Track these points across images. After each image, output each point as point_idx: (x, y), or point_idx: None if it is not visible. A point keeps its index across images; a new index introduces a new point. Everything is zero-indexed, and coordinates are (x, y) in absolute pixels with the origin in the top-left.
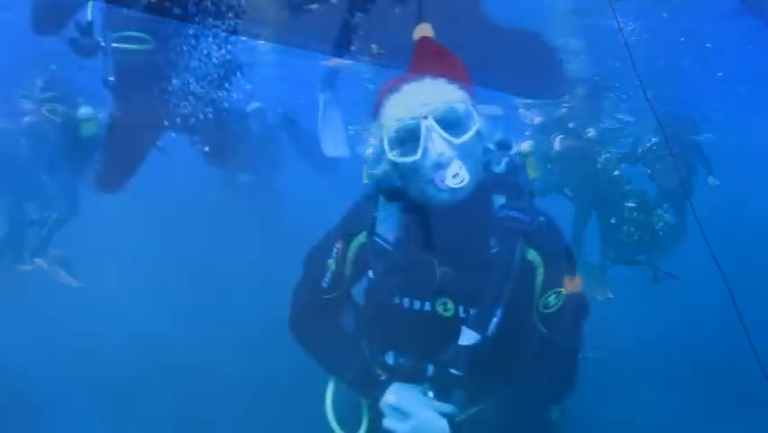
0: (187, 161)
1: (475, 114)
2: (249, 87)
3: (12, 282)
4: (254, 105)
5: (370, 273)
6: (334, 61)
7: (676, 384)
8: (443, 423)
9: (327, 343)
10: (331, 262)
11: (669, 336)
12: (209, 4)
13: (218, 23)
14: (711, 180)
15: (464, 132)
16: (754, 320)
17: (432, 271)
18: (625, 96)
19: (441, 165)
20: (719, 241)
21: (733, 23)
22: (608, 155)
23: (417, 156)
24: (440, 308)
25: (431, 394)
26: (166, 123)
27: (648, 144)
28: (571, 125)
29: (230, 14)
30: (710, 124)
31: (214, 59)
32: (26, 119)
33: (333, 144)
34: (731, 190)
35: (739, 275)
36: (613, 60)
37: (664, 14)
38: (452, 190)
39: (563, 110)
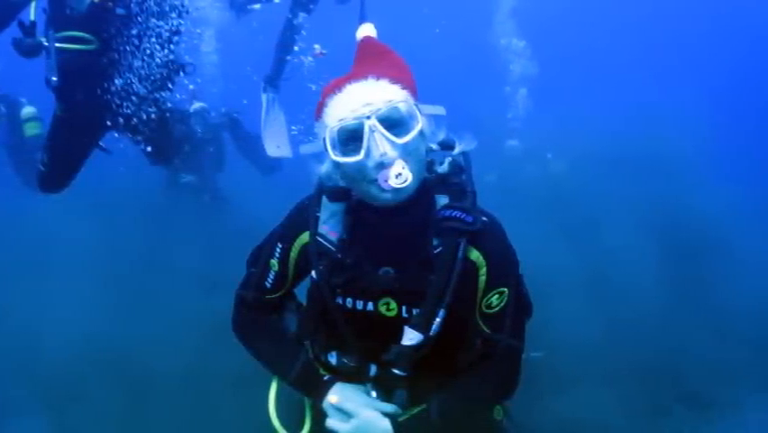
0: (130, 160)
1: (418, 113)
2: (192, 87)
3: None
4: (197, 105)
5: (313, 274)
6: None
7: (619, 383)
8: (386, 423)
9: (270, 343)
10: (274, 263)
11: (611, 335)
12: (152, 4)
13: (161, 23)
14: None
15: (407, 131)
16: (697, 319)
17: (375, 272)
18: None
19: (384, 165)
20: (660, 237)
21: None
22: None
23: (360, 156)
24: (383, 309)
25: (374, 394)
26: (109, 123)
27: None
28: None
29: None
30: None
31: (158, 60)
32: None
33: (276, 144)
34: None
35: (679, 272)
36: None
37: None
38: (395, 190)
39: None
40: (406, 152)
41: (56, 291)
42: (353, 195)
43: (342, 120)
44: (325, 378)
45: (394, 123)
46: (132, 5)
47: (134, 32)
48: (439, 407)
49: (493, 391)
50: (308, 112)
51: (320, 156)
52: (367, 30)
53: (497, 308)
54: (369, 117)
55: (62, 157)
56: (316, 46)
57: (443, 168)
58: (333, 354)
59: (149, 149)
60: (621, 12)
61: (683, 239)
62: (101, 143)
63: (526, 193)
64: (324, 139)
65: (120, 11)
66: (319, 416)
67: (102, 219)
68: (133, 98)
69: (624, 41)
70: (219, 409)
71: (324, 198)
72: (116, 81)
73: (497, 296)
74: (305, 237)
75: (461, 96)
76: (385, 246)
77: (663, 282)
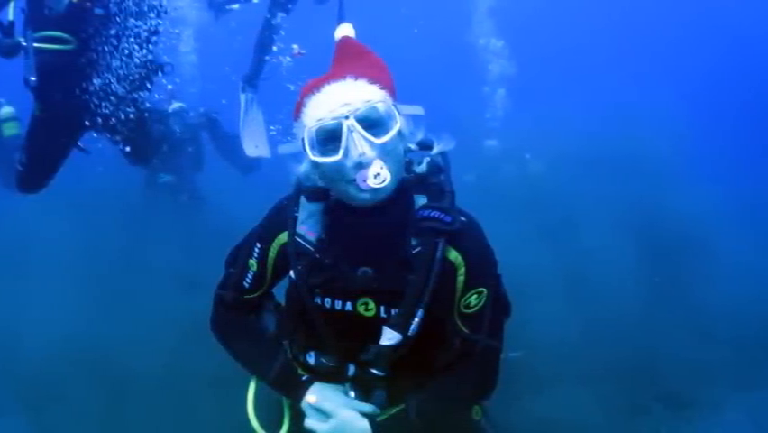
0: (108, 160)
1: (397, 113)
2: (170, 87)
3: None
4: (176, 105)
5: (292, 273)
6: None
7: (597, 383)
8: (365, 423)
9: (249, 343)
10: (252, 263)
11: (589, 335)
12: (131, 4)
13: (140, 23)
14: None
15: (386, 132)
16: (675, 319)
17: (353, 272)
18: None
19: (362, 165)
20: (638, 237)
21: None
22: None
23: (339, 156)
24: (361, 309)
25: (352, 394)
26: (87, 123)
27: None
28: None
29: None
30: None
31: (136, 60)
32: None
33: (254, 144)
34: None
35: (657, 271)
36: None
37: None
38: (374, 190)
39: None
40: (385, 152)
41: (35, 291)
42: (332, 195)
43: (320, 120)
44: (304, 378)
45: (372, 123)
46: (110, 5)
47: (113, 32)
48: (417, 407)
49: (471, 391)
50: (287, 112)
51: (298, 156)
52: (345, 30)
53: (475, 309)
54: (347, 117)
55: (41, 157)
56: (295, 46)
57: (421, 168)
58: (312, 354)
59: (127, 149)
60: (599, 12)
61: (661, 239)
62: (79, 143)
63: (505, 193)
64: (303, 139)
65: (98, 11)
66: (298, 416)
67: (80, 219)
68: (112, 98)
69: (602, 42)
70: (198, 409)
71: (303, 198)
72: (95, 81)
73: (475, 296)
74: (283, 237)
75: (439, 96)
76: (363, 246)
77: (642, 282)
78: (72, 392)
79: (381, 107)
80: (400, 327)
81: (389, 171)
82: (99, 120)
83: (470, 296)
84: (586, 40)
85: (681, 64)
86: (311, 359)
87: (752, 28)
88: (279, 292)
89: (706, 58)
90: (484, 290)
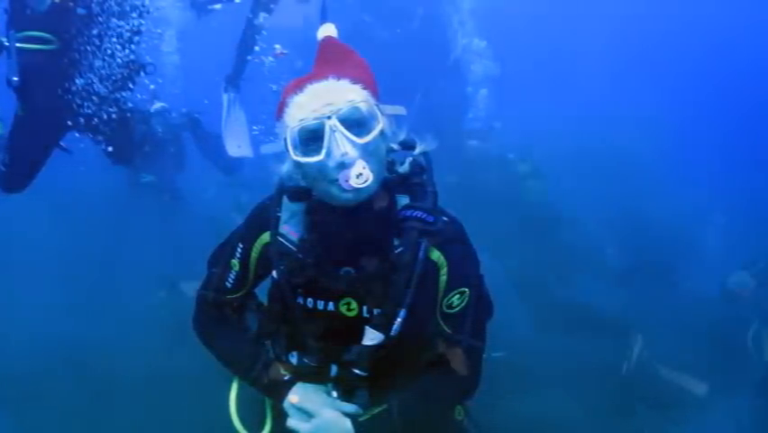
0: (90, 160)
1: (379, 114)
2: (153, 87)
3: None
4: (158, 105)
5: (274, 273)
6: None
7: (581, 383)
8: (347, 423)
9: (231, 342)
10: (235, 263)
11: (570, 335)
12: (113, 4)
13: (122, 23)
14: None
15: (368, 132)
16: (660, 319)
17: (335, 272)
18: None
19: (344, 165)
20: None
21: None
22: None
23: (321, 156)
24: (343, 309)
25: (335, 394)
26: (70, 123)
27: None
28: None
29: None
30: None
31: (118, 60)
32: None
33: (237, 144)
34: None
35: (642, 272)
36: None
37: None
38: (356, 190)
39: None
40: (367, 153)
41: (17, 291)
42: (314, 195)
43: (302, 120)
44: (286, 378)
45: (355, 123)
46: (92, 5)
47: (95, 31)
48: (399, 407)
49: (454, 391)
50: (269, 112)
51: (281, 156)
52: (328, 30)
53: (457, 309)
54: (329, 117)
55: (23, 157)
56: (277, 46)
57: (403, 168)
58: (294, 354)
59: (109, 149)
60: (584, 14)
61: (645, 240)
62: (62, 143)
63: (487, 193)
64: (285, 139)
65: (80, 11)
66: (280, 416)
67: (63, 219)
68: (94, 98)
69: (586, 44)
70: (180, 408)
71: (285, 198)
72: (77, 81)
73: (458, 296)
74: (265, 237)
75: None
76: (346, 246)
77: (626, 282)
78: (56, 391)
79: (364, 107)
80: (382, 327)
81: (372, 172)
82: (82, 120)
83: (453, 296)
84: (571, 41)
85: (665, 66)
86: (293, 359)
87: (736, 32)
88: (262, 292)
89: (690, 61)
90: (466, 290)
